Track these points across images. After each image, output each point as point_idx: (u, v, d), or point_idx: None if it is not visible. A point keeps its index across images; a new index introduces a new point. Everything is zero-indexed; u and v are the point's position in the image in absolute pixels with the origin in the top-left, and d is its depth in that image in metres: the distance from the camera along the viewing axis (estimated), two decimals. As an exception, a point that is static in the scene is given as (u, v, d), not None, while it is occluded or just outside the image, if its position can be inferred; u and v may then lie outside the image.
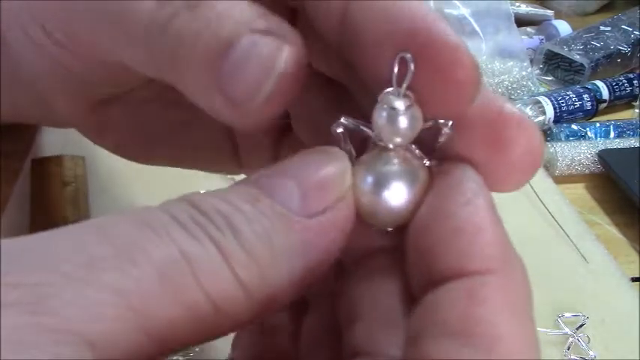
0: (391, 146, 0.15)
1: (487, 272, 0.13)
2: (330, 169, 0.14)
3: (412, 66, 0.14)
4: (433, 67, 0.14)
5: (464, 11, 0.56)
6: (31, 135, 0.40)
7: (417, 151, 0.15)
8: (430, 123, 0.15)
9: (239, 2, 0.16)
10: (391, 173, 0.15)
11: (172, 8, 0.16)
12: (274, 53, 0.15)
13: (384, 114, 0.14)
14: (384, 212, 0.15)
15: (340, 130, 0.15)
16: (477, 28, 0.55)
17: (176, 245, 0.12)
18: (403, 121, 0.14)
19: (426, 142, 0.15)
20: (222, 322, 0.13)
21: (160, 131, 0.24)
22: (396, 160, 0.15)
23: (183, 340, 0.13)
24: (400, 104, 0.14)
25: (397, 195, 0.15)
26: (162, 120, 0.23)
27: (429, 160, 0.15)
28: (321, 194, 0.14)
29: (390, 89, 0.14)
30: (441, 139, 0.15)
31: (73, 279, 0.11)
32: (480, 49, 0.54)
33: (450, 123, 0.15)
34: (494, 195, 0.16)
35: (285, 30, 0.15)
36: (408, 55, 0.14)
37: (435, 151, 0.15)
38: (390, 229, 0.15)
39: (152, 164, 0.25)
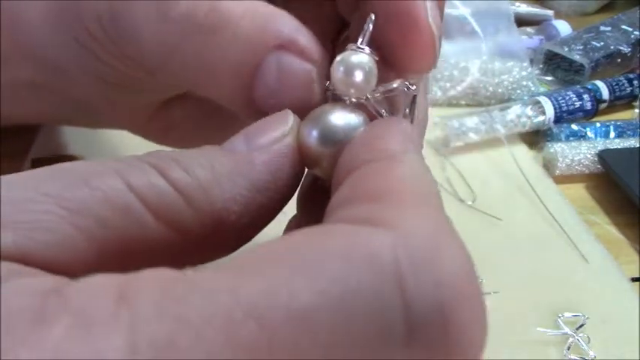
0: (347, 99, 0.16)
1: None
2: (271, 118, 0.16)
3: (370, 26, 0.16)
4: (397, 32, 0.16)
5: (464, 11, 0.56)
6: (31, 135, 0.40)
7: (381, 109, 0.16)
8: (396, 84, 0.16)
9: (257, 14, 0.17)
10: (334, 127, 0.16)
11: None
12: (307, 77, 0.16)
13: (341, 67, 0.15)
14: (324, 163, 0.16)
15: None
16: (477, 28, 0.55)
17: (120, 177, 0.13)
18: (358, 75, 0.15)
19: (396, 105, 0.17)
20: (169, 234, 0.14)
21: (219, 121, 0.25)
22: (342, 115, 0.16)
23: (127, 248, 0.13)
24: (356, 58, 0.15)
25: (335, 148, 0.15)
26: (219, 111, 0.24)
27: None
28: (260, 136, 0.15)
29: (350, 45, 0.16)
30: (407, 101, 0.16)
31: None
32: (480, 49, 0.54)
33: (414, 87, 0.16)
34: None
35: (307, 41, 0.16)
36: (372, 16, 0.16)
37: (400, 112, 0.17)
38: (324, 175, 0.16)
39: None
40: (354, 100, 0.16)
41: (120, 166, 0.14)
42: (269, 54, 0.16)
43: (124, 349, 0.10)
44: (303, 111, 0.16)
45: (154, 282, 0.11)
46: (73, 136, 0.41)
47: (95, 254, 0.13)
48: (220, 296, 0.11)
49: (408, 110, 0.16)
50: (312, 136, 0.15)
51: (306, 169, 0.17)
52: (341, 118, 0.16)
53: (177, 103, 0.25)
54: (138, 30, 0.18)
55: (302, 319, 0.11)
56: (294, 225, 0.18)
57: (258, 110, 0.17)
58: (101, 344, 0.10)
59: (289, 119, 0.16)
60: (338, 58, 0.16)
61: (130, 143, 0.41)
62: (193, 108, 0.25)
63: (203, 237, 0.14)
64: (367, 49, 0.16)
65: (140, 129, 0.26)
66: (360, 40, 0.16)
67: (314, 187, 0.18)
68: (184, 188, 0.14)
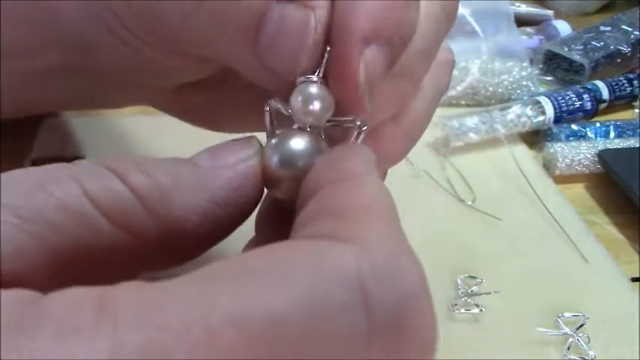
0: (306, 127, 0.17)
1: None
2: (237, 141, 0.17)
3: (325, 59, 0.17)
4: (335, 75, 0.17)
5: (464, 11, 0.55)
6: (31, 135, 0.40)
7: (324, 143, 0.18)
8: (349, 120, 0.17)
9: None
10: (294, 152, 0.17)
11: None
12: (304, 23, 0.17)
13: (300, 97, 0.17)
14: (284, 185, 0.17)
15: (267, 109, 0.18)
16: (477, 28, 0.55)
17: (77, 181, 0.14)
18: (316, 104, 0.17)
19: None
20: (125, 238, 0.14)
21: (241, 102, 0.25)
22: (301, 141, 0.17)
23: (83, 253, 0.14)
24: (314, 89, 0.17)
25: (294, 171, 0.17)
26: (241, 93, 0.25)
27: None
28: (226, 155, 0.16)
29: (307, 76, 0.17)
30: (357, 138, 0.18)
31: None
32: (480, 49, 0.54)
33: (365, 127, 0.17)
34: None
35: None
36: (328, 49, 0.17)
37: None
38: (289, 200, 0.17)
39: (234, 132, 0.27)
40: (309, 127, 0.17)
41: (77, 170, 0.14)
42: (274, 5, 0.17)
43: (108, 354, 0.10)
44: (301, 61, 0.17)
45: (132, 292, 0.11)
46: (73, 136, 0.41)
47: (51, 261, 0.13)
48: (198, 305, 0.11)
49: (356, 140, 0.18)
50: (274, 159, 0.17)
51: (265, 192, 0.18)
52: (300, 143, 0.17)
53: (199, 87, 0.25)
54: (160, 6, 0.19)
55: (276, 325, 0.12)
56: (253, 245, 0.19)
57: (264, 66, 0.17)
58: (85, 350, 0.10)
59: (254, 143, 0.17)
60: (296, 89, 0.17)
61: (130, 143, 0.41)
62: (214, 92, 0.25)
63: (159, 243, 0.15)
64: (321, 82, 0.17)
65: (164, 106, 0.26)
66: (317, 72, 0.17)
67: (271, 210, 0.19)
68: (142, 191, 0.14)
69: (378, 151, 0.18)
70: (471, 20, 0.55)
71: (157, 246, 0.15)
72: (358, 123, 0.17)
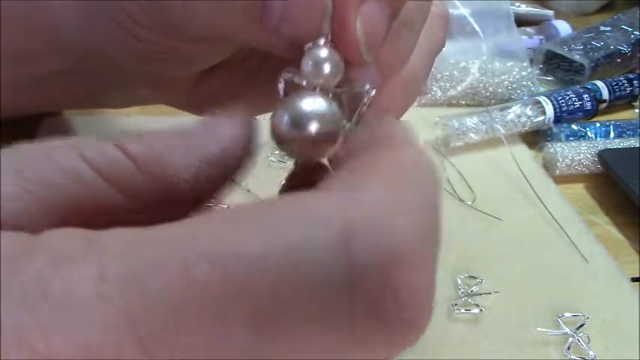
0: (316, 89, 0.17)
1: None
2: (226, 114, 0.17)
3: (328, 22, 0.17)
4: (337, 36, 0.17)
5: (464, 11, 0.56)
6: (31, 135, 0.40)
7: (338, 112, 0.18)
8: (356, 87, 0.18)
9: None
10: (305, 110, 0.17)
11: None
12: None
13: (310, 62, 0.17)
14: (294, 145, 0.17)
15: (281, 80, 0.18)
16: (477, 28, 0.55)
17: (76, 148, 0.15)
18: (325, 67, 0.17)
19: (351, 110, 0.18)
20: (121, 198, 0.15)
21: (254, 87, 0.26)
22: (311, 100, 0.17)
23: (80, 212, 0.14)
24: (323, 52, 0.17)
25: (309, 129, 0.17)
26: (254, 77, 0.25)
27: (348, 120, 0.18)
28: (216, 121, 0.17)
29: (315, 41, 0.17)
30: (364, 103, 0.18)
31: None
32: (480, 49, 0.54)
33: (374, 92, 0.18)
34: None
35: None
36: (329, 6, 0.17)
37: (357, 115, 0.18)
38: (299, 161, 0.18)
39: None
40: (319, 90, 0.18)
41: (78, 141, 0.15)
42: None
43: (94, 279, 0.11)
44: (310, 32, 0.17)
45: (118, 233, 0.13)
46: (73, 136, 0.41)
47: (51, 219, 0.14)
48: (178, 242, 0.12)
49: (363, 106, 0.18)
50: (284, 118, 0.17)
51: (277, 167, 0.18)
52: (310, 103, 0.17)
53: (212, 74, 0.25)
54: None
55: (252, 265, 0.12)
56: None
57: (273, 38, 0.18)
58: (73, 275, 0.12)
59: (244, 114, 0.17)
60: (306, 53, 0.17)
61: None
62: (229, 77, 0.25)
63: (154, 202, 0.16)
64: (330, 45, 0.17)
65: (177, 101, 0.26)
66: (324, 37, 0.17)
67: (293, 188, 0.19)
68: (136, 154, 0.15)
69: (378, 106, 0.18)
70: (471, 20, 0.55)
71: (151, 206, 0.16)
72: (367, 87, 0.18)
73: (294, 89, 0.18)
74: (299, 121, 0.17)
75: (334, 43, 0.17)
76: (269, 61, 0.24)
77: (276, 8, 0.17)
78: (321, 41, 0.17)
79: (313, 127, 0.16)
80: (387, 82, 0.21)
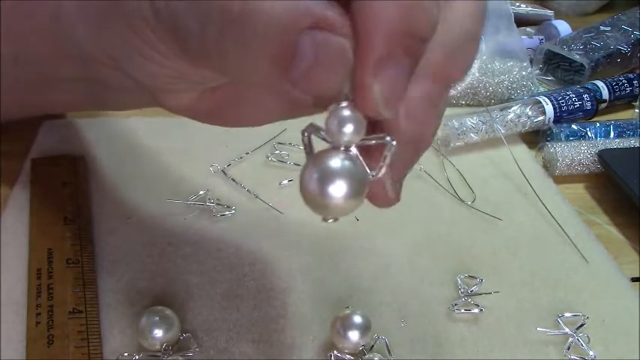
0: (341, 147, 0.18)
1: None
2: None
3: (348, 85, 0.18)
4: (357, 99, 0.18)
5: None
6: (31, 135, 0.40)
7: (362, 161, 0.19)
8: (379, 137, 0.19)
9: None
10: (333, 170, 0.18)
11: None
12: (343, 51, 0.17)
13: (335, 121, 0.18)
14: (326, 203, 0.18)
15: (305, 134, 0.19)
16: (477, 28, 0.55)
17: None
18: (349, 126, 0.18)
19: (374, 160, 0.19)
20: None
21: (266, 100, 0.25)
22: (339, 159, 0.18)
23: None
24: (347, 112, 0.18)
25: (337, 189, 0.18)
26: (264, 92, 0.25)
27: (372, 171, 0.19)
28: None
29: (339, 102, 0.18)
30: (387, 153, 0.19)
31: None
32: (480, 49, 0.54)
33: (394, 142, 0.19)
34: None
35: (337, 17, 0.17)
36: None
37: (381, 165, 0.19)
38: (331, 219, 0.19)
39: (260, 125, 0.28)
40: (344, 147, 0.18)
41: None
42: (303, 34, 0.17)
43: None
44: (342, 88, 0.18)
45: None
46: (73, 136, 0.41)
47: None
48: None
49: (386, 156, 0.19)
50: (314, 179, 0.18)
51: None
52: (338, 163, 0.18)
53: (223, 89, 0.25)
54: (184, 29, 0.19)
55: None
56: None
57: (297, 89, 0.18)
58: None
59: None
60: (331, 112, 0.18)
61: (130, 143, 0.41)
62: (234, 86, 0.25)
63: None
64: (352, 105, 0.18)
65: (180, 110, 0.26)
66: (346, 100, 0.18)
67: None
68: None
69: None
70: (471, 20, 0.55)
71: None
72: (388, 139, 0.19)
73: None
74: (328, 181, 0.18)
75: (355, 102, 0.18)
76: None
77: (304, 61, 0.17)
78: (344, 103, 0.18)
79: (342, 188, 0.18)
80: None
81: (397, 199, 0.22)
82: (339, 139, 0.18)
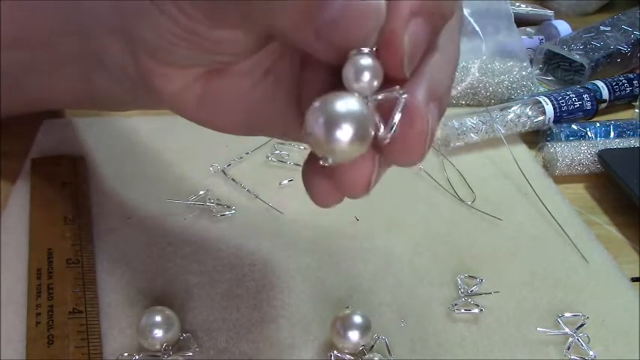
0: (355, 94, 0.18)
1: None
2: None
3: (375, 37, 0.18)
4: (384, 45, 0.18)
5: (464, 11, 0.56)
6: (31, 135, 0.40)
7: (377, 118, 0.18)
8: (390, 90, 0.18)
9: None
10: (340, 113, 0.17)
11: None
12: (372, 9, 0.17)
13: (352, 69, 0.18)
14: (330, 147, 0.17)
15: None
16: (477, 28, 0.55)
17: None
18: (366, 75, 0.18)
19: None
20: None
21: (252, 103, 0.25)
22: (350, 102, 0.17)
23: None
24: (366, 61, 0.18)
25: (342, 133, 0.17)
26: (254, 92, 0.25)
27: (385, 129, 0.18)
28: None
29: (360, 49, 0.18)
30: (398, 109, 0.18)
31: None
32: (480, 49, 0.54)
33: (405, 96, 0.18)
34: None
35: None
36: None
37: (390, 123, 0.18)
38: (332, 163, 0.18)
39: (236, 134, 0.27)
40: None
41: None
42: None
43: None
44: (369, 41, 0.18)
45: None
46: (73, 136, 0.41)
47: None
48: None
49: (397, 112, 0.18)
50: (319, 121, 0.17)
51: None
52: (345, 105, 0.17)
53: (220, 76, 0.25)
54: None
55: None
56: None
57: (320, 38, 0.18)
58: None
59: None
60: (349, 60, 0.18)
61: (130, 143, 0.41)
62: (231, 86, 0.25)
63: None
64: (372, 53, 0.18)
65: (177, 95, 0.26)
66: (369, 47, 0.18)
67: None
68: None
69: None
70: (471, 20, 0.55)
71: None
72: (401, 92, 0.18)
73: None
74: (333, 122, 0.17)
75: (377, 53, 0.18)
76: (274, 69, 0.24)
77: (331, 11, 0.17)
78: (366, 50, 0.18)
79: (347, 130, 0.17)
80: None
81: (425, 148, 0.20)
82: (354, 86, 0.18)
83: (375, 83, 0.18)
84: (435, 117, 0.19)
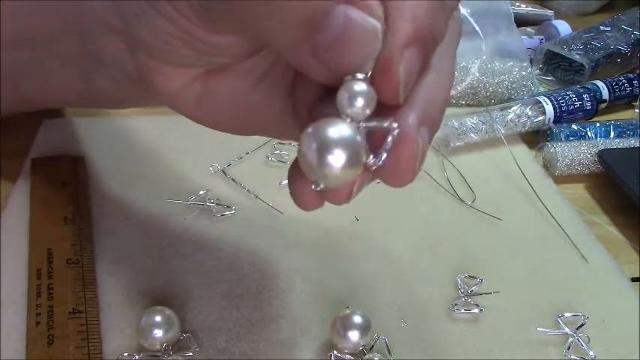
0: (348, 120, 0.18)
1: None
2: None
3: (371, 64, 0.18)
4: (379, 73, 0.18)
5: (464, 11, 0.55)
6: (31, 135, 0.40)
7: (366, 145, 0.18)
8: (383, 120, 0.18)
9: None
10: (333, 140, 0.17)
11: None
12: (374, 32, 0.18)
13: (346, 94, 0.18)
14: (323, 173, 0.17)
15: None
16: (477, 28, 0.55)
17: None
18: (360, 101, 0.18)
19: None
20: None
21: (251, 103, 0.25)
22: (342, 128, 0.17)
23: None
24: (360, 87, 0.18)
25: (334, 159, 0.17)
26: (252, 92, 0.25)
27: (375, 157, 0.19)
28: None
29: (355, 75, 0.18)
30: (389, 139, 0.18)
31: None
32: (480, 49, 0.54)
33: (397, 129, 0.18)
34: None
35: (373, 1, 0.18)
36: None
37: (381, 152, 0.19)
38: (324, 187, 0.18)
39: (235, 133, 0.28)
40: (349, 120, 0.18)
41: None
42: (337, 6, 0.17)
43: None
44: (367, 67, 0.18)
45: None
46: (73, 136, 0.41)
47: None
48: None
49: (388, 142, 0.18)
50: (312, 147, 0.17)
51: None
52: (337, 131, 0.17)
53: (220, 75, 0.25)
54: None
55: None
56: None
57: (316, 59, 0.18)
58: None
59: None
60: (344, 86, 0.18)
61: (130, 143, 0.41)
62: (230, 85, 0.25)
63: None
64: (367, 80, 0.18)
65: (177, 93, 0.26)
66: (364, 73, 0.18)
67: None
68: None
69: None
70: (471, 20, 0.55)
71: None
72: (394, 125, 0.18)
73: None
74: (326, 148, 0.17)
75: (371, 79, 0.18)
76: (272, 71, 0.24)
77: (332, 32, 0.17)
78: (361, 76, 0.18)
79: (340, 156, 0.17)
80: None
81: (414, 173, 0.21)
82: (347, 111, 0.18)
83: (368, 111, 0.18)
84: (425, 140, 0.19)
